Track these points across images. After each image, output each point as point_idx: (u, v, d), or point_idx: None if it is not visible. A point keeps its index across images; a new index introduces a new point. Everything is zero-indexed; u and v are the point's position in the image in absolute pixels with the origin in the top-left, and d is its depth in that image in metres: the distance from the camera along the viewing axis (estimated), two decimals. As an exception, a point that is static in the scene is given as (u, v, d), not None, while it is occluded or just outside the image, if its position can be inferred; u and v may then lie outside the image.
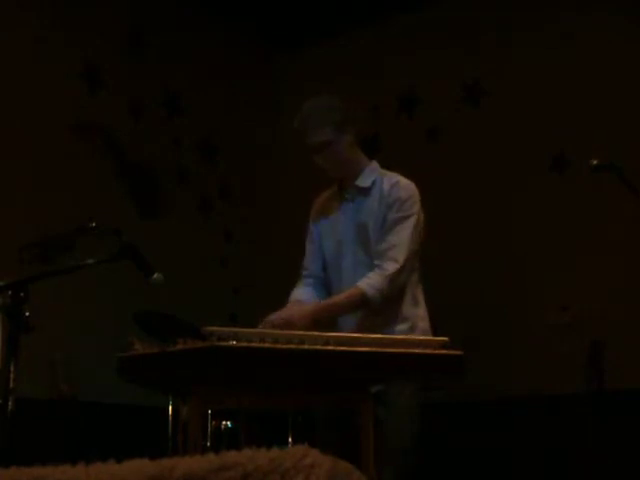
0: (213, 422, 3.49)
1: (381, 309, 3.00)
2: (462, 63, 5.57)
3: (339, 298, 3.01)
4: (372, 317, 3.02)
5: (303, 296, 3.21)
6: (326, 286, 3.25)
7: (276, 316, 2.89)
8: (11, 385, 2.36)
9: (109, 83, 5.31)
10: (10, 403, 2.35)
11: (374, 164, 3.23)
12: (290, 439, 3.59)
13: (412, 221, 3.06)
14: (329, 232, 3.24)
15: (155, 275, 2.61)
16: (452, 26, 5.67)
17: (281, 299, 3.18)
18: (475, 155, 5.40)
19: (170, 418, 3.56)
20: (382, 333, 2.83)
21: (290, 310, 2.98)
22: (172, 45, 5.70)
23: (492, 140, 5.37)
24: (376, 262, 3.02)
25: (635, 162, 3.13)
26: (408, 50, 5.78)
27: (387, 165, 3.31)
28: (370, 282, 2.96)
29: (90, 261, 2.62)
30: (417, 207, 3.10)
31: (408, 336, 2.96)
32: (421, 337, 2.95)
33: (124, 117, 5.39)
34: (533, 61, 5.29)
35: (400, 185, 3.12)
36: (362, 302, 2.96)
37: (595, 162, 3.08)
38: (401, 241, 3.02)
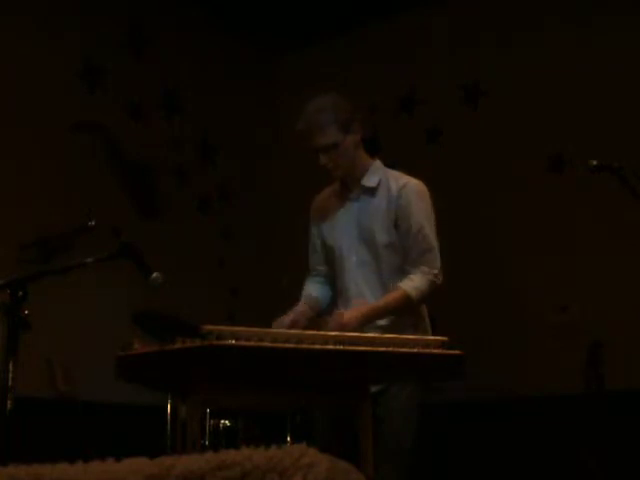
0: (211, 421, 3.49)
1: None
2: (462, 63, 5.57)
3: (387, 301, 3.00)
4: (398, 318, 3.04)
5: (317, 292, 3.26)
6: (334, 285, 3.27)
7: (330, 322, 2.87)
8: (10, 384, 2.36)
9: (109, 83, 5.32)
10: (9, 402, 2.35)
11: (378, 163, 3.23)
12: (289, 439, 3.58)
13: (432, 222, 3.11)
14: (332, 231, 3.23)
15: (154, 274, 2.61)
16: (452, 26, 5.67)
17: (280, 299, 3.17)
18: (475, 155, 5.40)
19: (169, 417, 3.55)
20: (394, 332, 2.84)
21: (340, 314, 2.93)
22: (172, 45, 5.71)
23: (492, 140, 5.37)
24: (411, 268, 3.04)
25: (635, 162, 3.12)
26: (408, 50, 5.78)
27: (387, 165, 3.31)
28: (414, 284, 2.99)
29: (89, 260, 2.62)
30: (431, 205, 3.13)
31: (408, 336, 2.96)
32: (421, 336, 2.95)
33: (124, 117, 5.39)
34: (533, 61, 5.29)
35: (410, 187, 3.12)
36: (406, 303, 2.99)
37: (595, 162, 3.07)
38: (431, 245, 3.07)
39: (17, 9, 4.91)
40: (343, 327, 2.75)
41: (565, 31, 5.20)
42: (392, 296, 3.00)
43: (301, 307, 3.14)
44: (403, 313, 3.05)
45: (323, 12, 5.85)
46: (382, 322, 3.01)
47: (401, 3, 5.71)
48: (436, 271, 3.03)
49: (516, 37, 5.39)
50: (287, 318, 2.98)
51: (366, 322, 2.91)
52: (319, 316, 3.10)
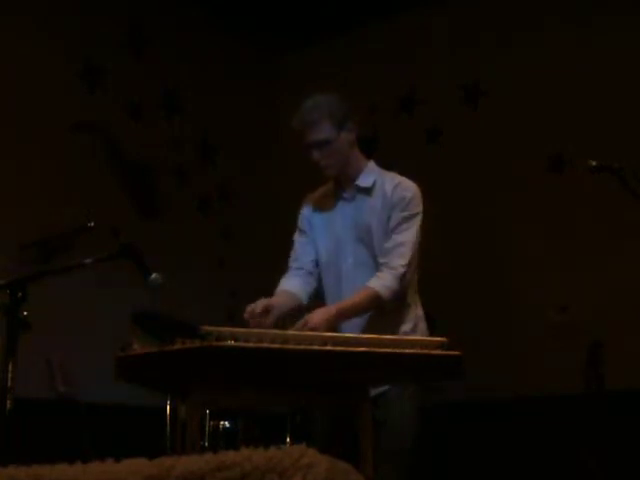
0: (211, 422, 3.49)
1: (388, 310, 2.99)
2: (462, 63, 5.57)
3: (355, 300, 2.95)
4: (378, 318, 3.00)
5: (292, 287, 3.15)
6: (318, 282, 3.19)
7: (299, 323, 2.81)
8: (9, 384, 2.37)
9: (109, 83, 5.32)
10: (8, 402, 2.36)
11: (372, 164, 3.20)
12: (288, 439, 3.58)
13: (417, 220, 3.06)
14: (324, 231, 3.19)
15: (153, 275, 2.61)
16: (452, 26, 5.67)
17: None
18: (475, 155, 5.40)
19: (168, 418, 3.55)
20: (388, 334, 2.80)
21: (308, 315, 2.86)
22: (172, 45, 5.71)
23: (492, 140, 5.37)
24: (382, 260, 3.00)
25: (635, 163, 3.12)
26: (408, 50, 5.78)
27: (387, 165, 3.31)
28: (382, 282, 2.94)
29: (89, 260, 2.62)
30: (421, 207, 3.09)
31: (407, 336, 2.96)
32: (420, 337, 2.95)
33: (124, 117, 5.40)
34: (533, 61, 5.29)
35: (403, 185, 3.10)
36: (377, 302, 2.94)
37: (594, 163, 3.07)
38: (407, 240, 3.01)
39: (17, 9, 4.91)
40: (313, 330, 2.69)
41: (565, 31, 5.20)
42: (361, 295, 2.95)
43: (276, 297, 3.05)
44: (395, 313, 3.03)
45: (323, 12, 5.85)
46: (374, 324, 2.98)
47: (401, 3, 5.71)
48: (404, 262, 2.97)
49: (516, 37, 5.39)
50: (261, 302, 2.88)
51: (334, 324, 2.86)
52: (300, 311, 3.04)
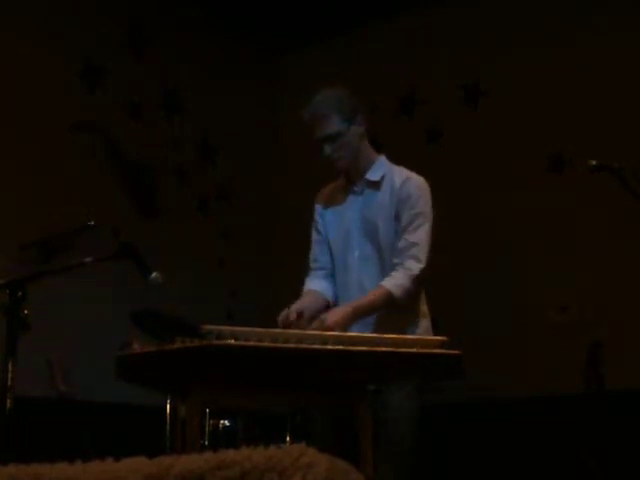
0: (211, 421, 3.49)
1: (399, 308, 3.00)
2: (462, 63, 5.57)
3: (371, 298, 2.97)
4: (385, 315, 3.01)
5: (318, 287, 3.18)
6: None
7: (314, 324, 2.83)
8: (9, 384, 2.37)
9: (109, 83, 5.32)
10: (8, 402, 2.35)
11: (383, 157, 3.22)
12: (288, 439, 3.58)
13: (428, 217, 3.07)
14: (335, 224, 3.21)
15: (153, 274, 2.61)
16: (452, 26, 5.67)
17: (279, 300, 3.16)
18: (475, 155, 5.40)
19: (168, 417, 3.55)
20: (399, 331, 2.82)
21: (324, 315, 2.88)
22: (172, 45, 5.71)
23: (492, 140, 5.36)
24: (396, 260, 3.01)
25: (635, 162, 3.12)
26: (408, 50, 5.78)
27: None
28: (396, 282, 2.95)
29: (89, 260, 2.62)
30: (431, 203, 3.11)
31: (407, 335, 2.96)
32: (420, 336, 2.95)
33: (124, 117, 5.40)
34: (533, 61, 5.29)
35: (412, 181, 3.12)
36: (389, 302, 2.95)
37: (594, 162, 3.07)
38: (420, 239, 3.03)
39: (17, 9, 4.91)
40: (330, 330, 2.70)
41: (565, 31, 5.20)
42: (375, 294, 2.97)
43: (306, 298, 3.10)
44: (404, 311, 3.03)
45: (323, 12, 5.85)
46: (383, 321, 2.99)
47: (401, 3, 5.71)
48: (421, 265, 2.99)
49: (516, 37, 5.39)
50: (294, 307, 2.91)
51: (350, 323, 2.88)
52: (328, 308, 3.05)
